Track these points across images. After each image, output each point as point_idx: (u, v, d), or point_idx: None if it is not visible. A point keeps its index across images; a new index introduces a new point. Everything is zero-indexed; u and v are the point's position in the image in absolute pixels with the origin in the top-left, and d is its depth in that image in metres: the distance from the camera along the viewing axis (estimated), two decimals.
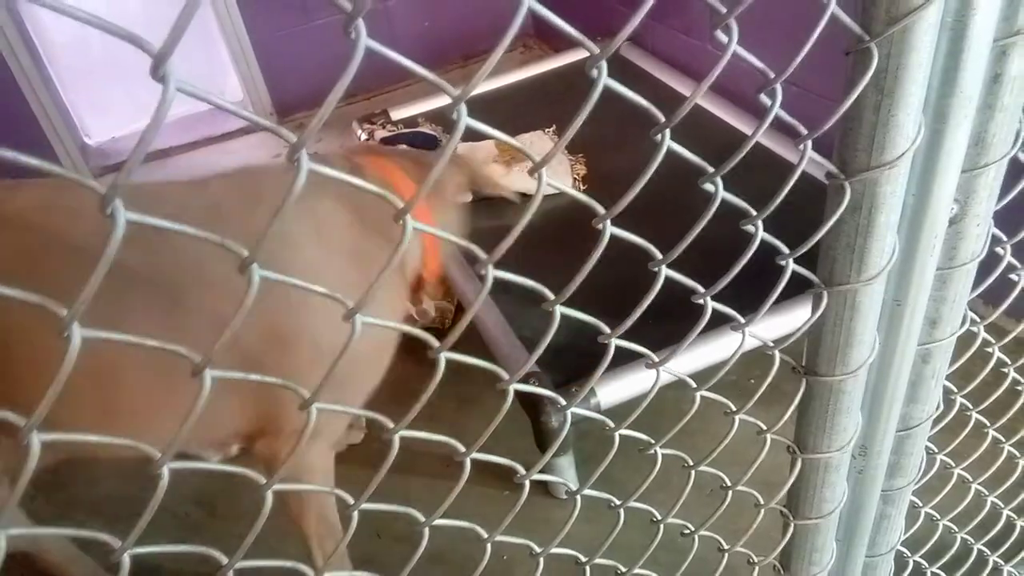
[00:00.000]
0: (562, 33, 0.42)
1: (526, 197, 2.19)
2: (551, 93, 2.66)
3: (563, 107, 2.46)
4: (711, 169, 0.54)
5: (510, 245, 0.47)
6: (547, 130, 2.41)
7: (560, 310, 0.53)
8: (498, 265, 0.47)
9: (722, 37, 0.48)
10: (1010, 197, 0.78)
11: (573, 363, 1.49)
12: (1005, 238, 0.82)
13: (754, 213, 0.59)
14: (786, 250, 0.63)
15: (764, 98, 0.53)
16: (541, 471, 0.64)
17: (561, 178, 2.16)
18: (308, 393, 0.45)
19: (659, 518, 0.75)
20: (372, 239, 1.35)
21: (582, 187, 2.19)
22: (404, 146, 2.33)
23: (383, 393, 1.99)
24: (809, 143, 0.57)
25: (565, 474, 1.59)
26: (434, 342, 0.48)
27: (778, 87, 0.52)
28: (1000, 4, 0.57)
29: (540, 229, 1.94)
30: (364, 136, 2.47)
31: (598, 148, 2.25)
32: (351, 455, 1.70)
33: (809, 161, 0.59)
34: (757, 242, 0.60)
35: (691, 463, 0.73)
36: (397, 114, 2.62)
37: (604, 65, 0.45)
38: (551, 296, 0.52)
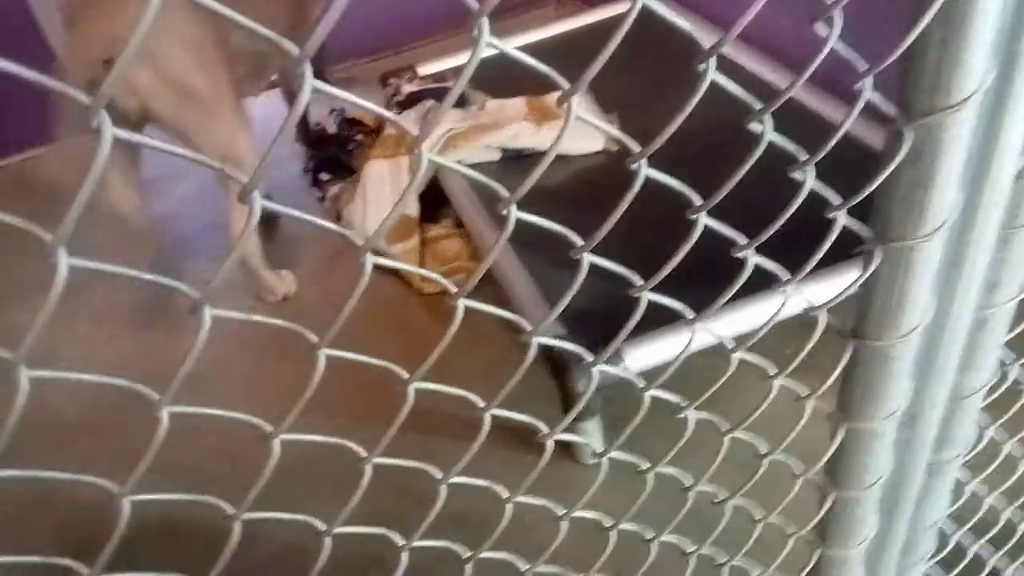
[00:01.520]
0: None
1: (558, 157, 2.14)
2: (584, 49, 2.57)
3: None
4: (759, 106, 0.49)
5: (543, 206, 0.43)
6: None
7: (589, 259, 0.49)
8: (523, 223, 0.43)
9: None
10: None
11: (599, 327, 1.45)
12: None
13: (803, 158, 0.54)
14: (836, 200, 0.58)
15: (820, 28, 0.48)
16: (566, 436, 0.61)
17: (591, 138, 2.10)
18: None
19: (689, 485, 0.72)
20: None
21: (614, 148, 2.13)
22: (431, 101, 2.28)
23: (400, 349, 1.97)
24: (868, 81, 0.52)
25: (591, 439, 1.56)
26: (452, 288, 0.45)
27: (837, 14, 0.47)
28: None
29: (570, 190, 1.89)
30: (390, 92, 2.43)
31: (631, 106, 2.18)
32: (370, 413, 1.68)
33: (856, 119, 0.53)
34: (806, 191, 0.55)
35: (724, 429, 0.69)
36: (424, 70, 2.56)
37: None
38: (579, 242, 0.48)
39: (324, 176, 2.36)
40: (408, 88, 2.36)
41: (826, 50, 0.48)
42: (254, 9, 1.83)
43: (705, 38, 0.44)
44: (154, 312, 2.14)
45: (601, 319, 1.29)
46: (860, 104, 0.53)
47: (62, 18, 1.71)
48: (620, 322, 0.65)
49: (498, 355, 1.79)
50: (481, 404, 0.51)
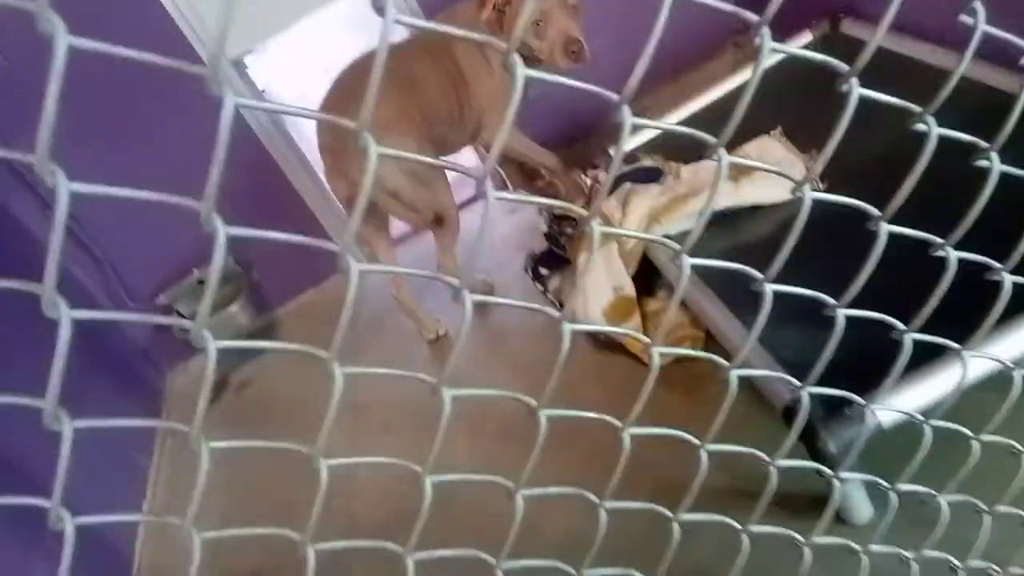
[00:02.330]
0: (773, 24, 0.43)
1: (760, 209, 2.12)
2: (771, 92, 2.56)
3: (786, 105, 2.34)
4: (984, 144, 0.50)
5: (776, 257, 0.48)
6: (773, 133, 2.33)
7: (844, 313, 0.52)
8: (741, 281, 0.48)
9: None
10: None
11: (843, 377, 1.39)
12: None
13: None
14: None
15: None
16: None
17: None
18: None
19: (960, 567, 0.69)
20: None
21: (821, 187, 2.07)
22: (629, 184, 2.37)
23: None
24: None
25: (854, 497, 1.48)
26: (696, 441, 0.50)
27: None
28: None
29: (779, 240, 1.86)
30: (589, 181, 2.55)
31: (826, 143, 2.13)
32: None
33: None
34: None
35: (985, 508, 0.67)
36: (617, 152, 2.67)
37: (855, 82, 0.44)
38: (831, 301, 0.51)
39: (543, 271, 2.52)
40: (605, 176, 2.48)
41: None
42: (432, 100, 2.41)
43: (906, 73, 0.46)
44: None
45: (840, 370, 1.24)
46: None
47: (325, 163, 2.42)
48: (861, 370, 0.64)
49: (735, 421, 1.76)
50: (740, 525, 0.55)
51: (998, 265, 0.53)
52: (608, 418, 0.53)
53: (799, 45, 2.66)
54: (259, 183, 2.97)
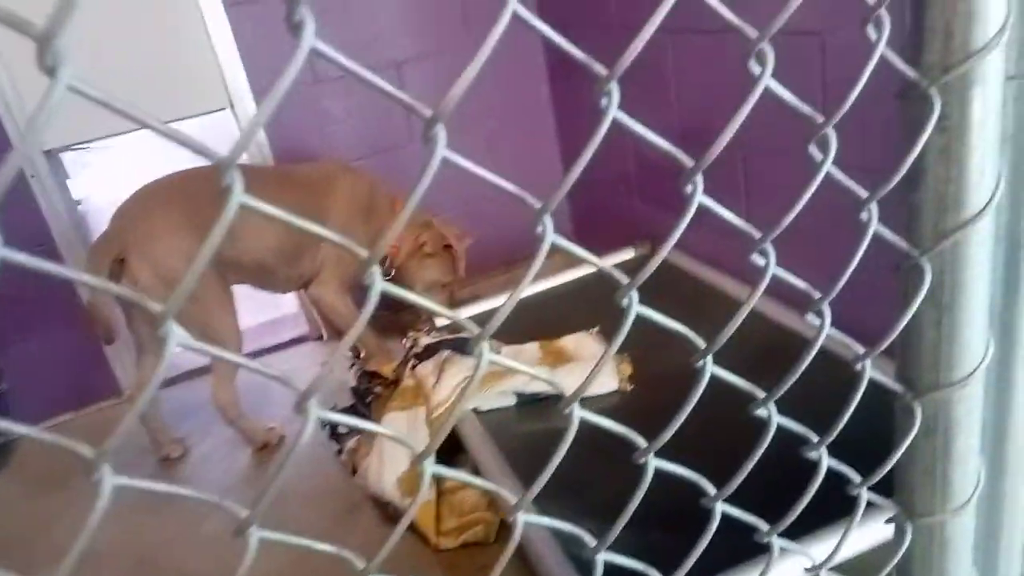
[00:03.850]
0: (599, 238, 0.41)
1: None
2: (593, 295, 2.69)
3: (606, 308, 2.46)
4: (762, 394, 0.49)
5: (556, 463, 0.43)
6: (591, 331, 2.40)
7: (603, 558, 0.47)
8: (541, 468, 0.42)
9: (759, 261, 0.46)
10: None
11: None
12: None
13: (815, 439, 0.54)
14: (857, 478, 0.57)
15: (812, 318, 0.50)
16: None
17: (606, 378, 2.12)
18: None
19: None
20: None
21: (628, 387, 2.13)
22: (448, 352, 2.34)
23: None
24: (868, 363, 0.53)
25: None
26: None
27: (826, 308, 0.49)
28: None
29: (589, 432, 1.88)
30: (408, 343, 2.50)
31: (644, 346, 2.22)
32: None
33: (873, 373, 0.54)
34: (823, 472, 0.54)
35: None
36: (441, 321, 2.66)
37: (635, 296, 0.42)
38: (592, 543, 0.46)
39: (342, 429, 2.36)
40: (426, 340, 2.43)
41: (820, 340, 0.50)
42: (261, 238, 2.47)
43: (712, 300, 0.45)
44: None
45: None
46: (861, 386, 0.53)
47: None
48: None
49: None
50: None
51: (765, 529, 0.51)
52: None
53: (621, 260, 2.87)
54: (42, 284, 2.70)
